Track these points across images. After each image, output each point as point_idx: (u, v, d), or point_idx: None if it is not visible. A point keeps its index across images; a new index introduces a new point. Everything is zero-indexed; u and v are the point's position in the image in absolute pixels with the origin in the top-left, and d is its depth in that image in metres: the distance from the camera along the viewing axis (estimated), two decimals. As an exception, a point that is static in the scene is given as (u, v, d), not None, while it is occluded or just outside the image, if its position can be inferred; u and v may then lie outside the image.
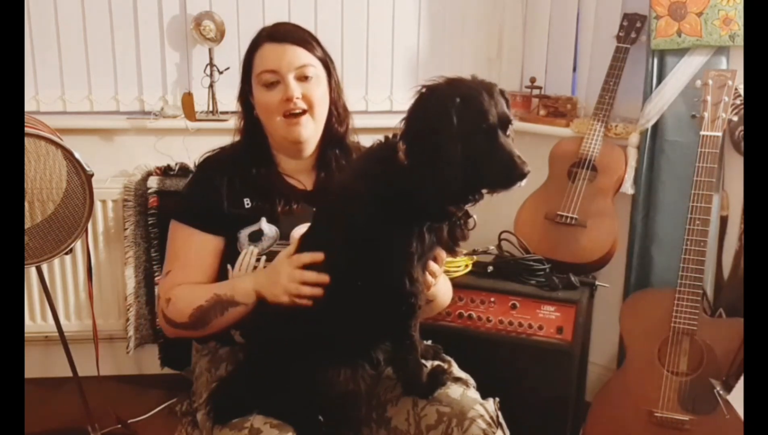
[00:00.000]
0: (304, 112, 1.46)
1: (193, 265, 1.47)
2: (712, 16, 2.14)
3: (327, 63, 1.51)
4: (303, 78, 1.45)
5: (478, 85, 1.22)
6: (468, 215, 1.30)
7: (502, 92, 1.24)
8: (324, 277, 1.29)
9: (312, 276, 1.29)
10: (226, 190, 1.47)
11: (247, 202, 1.48)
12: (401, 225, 1.24)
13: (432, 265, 1.36)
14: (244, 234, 1.46)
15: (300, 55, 1.45)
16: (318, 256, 1.30)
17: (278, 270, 1.34)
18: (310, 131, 1.48)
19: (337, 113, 1.54)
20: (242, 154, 1.53)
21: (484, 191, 1.25)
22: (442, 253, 1.35)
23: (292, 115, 1.45)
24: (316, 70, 1.47)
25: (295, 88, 1.44)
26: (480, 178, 1.21)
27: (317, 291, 1.29)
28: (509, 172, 1.18)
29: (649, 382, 2.01)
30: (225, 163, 1.51)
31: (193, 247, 1.48)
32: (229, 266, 1.47)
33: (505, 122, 1.20)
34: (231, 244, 1.47)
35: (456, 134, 1.16)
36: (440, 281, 1.47)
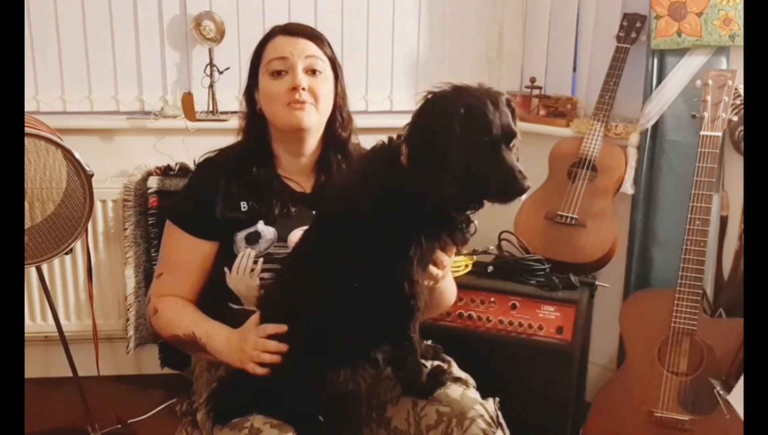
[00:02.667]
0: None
1: (183, 269, 1.48)
2: (712, 16, 2.14)
3: (335, 65, 1.51)
4: (311, 71, 1.45)
5: (483, 94, 1.21)
6: (469, 220, 1.30)
7: (508, 102, 1.24)
8: (282, 347, 1.31)
9: (273, 345, 1.32)
10: (222, 194, 1.47)
11: (243, 206, 1.47)
12: (401, 228, 1.23)
13: (441, 255, 1.35)
14: (240, 236, 1.45)
15: (310, 47, 1.46)
16: (282, 328, 1.32)
17: (245, 337, 1.36)
18: (313, 120, 1.47)
19: (341, 119, 1.54)
20: (242, 155, 1.52)
21: (484, 201, 1.25)
22: (443, 256, 1.35)
23: (295, 101, 1.44)
24: (325, 66, 1.47)
25: (303, 79, 1.43)
26: (481, 189, 1.21)
27: (275, 358, 1.31)
28: (509, 187, 1.18)
29: (649, 382, 2.01)
30: (223, 166, 1.51)
31: (183, 251, 1.48)
32: (226, 269, 1.46)
33: (508, 135, 1.20)
34: (227, 247, 1.46)
35: (458, 145, 1.16)
36: (447, 278, 1.47)
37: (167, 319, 1.46)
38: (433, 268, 1.34)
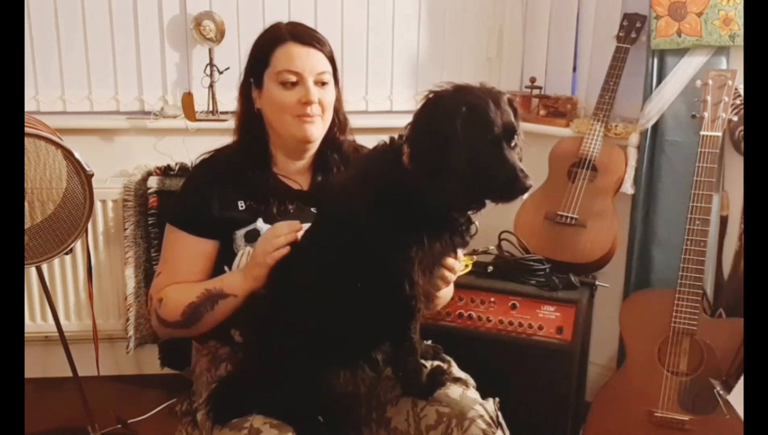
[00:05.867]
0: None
1: (183, 268, 1.48)
2: (712, 16, 2.14)
3: (335, 70, 1.52)
4: (320, 83, 1.47)
5: (485, 93, 1.21)
6: (470, 222, 1.30)
7: (510, 101, 1.24)
8: (297, 226, 1.36)
9: (285, 228, 1.37)
10: (218, 194, 1.47)
11: (241, 205, 1.48)
12: (402, 228, 1.23)
13: (446, 273, 1.37)
14: (239, 234, 1.46)
15: (321, 61, 1.47)
16: (296, 225, 1.37)
17: (256, 250, 1.39)
18: (320, 131, 1.49)
19: (339, 121, 1.55)
20: (238, 155, 1.52)
21: (486, 200, 1.25)
22: (450, 260, 1.36)
23: (306, 115, 1.45)
24: (330, 76, 1.49)
25: (315, 93, 1.45)
26: (483, 189, 1.21)
27: (291, 238, 1.36)
28: (511, 186, 1.18)
29: (649, 382, 2.01)
30: (219, 166, 1.51)
31: (182, 251, 1.48)
32: (225, 268, 1.47)
33: (510, 133, 1.20)
34: (227, 246, 1.47)
35: (460, 144, 1.16)
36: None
37: (175, 298, 1.45)
38: (447, 273, 1.36)
